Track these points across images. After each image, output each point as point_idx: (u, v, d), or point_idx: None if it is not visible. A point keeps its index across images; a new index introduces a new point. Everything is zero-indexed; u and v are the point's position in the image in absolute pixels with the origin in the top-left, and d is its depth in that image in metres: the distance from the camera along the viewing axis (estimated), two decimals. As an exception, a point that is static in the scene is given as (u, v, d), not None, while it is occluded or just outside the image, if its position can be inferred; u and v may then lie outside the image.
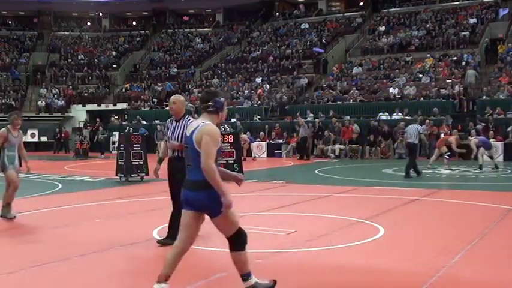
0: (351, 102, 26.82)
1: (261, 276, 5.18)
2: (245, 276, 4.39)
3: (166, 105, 32.65)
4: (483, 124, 21.00)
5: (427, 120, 20.83)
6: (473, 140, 16.96)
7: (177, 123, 6.36)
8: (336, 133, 23.30)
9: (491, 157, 16.76)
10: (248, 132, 24.72)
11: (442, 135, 20.89)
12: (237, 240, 4.40)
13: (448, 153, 17.12)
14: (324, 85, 29.51)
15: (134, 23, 49.12)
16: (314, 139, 23.66)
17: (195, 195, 4.27)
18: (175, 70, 37.77)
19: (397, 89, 26.62)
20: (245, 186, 10.89)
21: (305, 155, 22.00)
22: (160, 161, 6.68)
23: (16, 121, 8.37)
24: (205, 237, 6.76)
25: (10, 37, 44.06)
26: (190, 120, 6.27)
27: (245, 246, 4.40)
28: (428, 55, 29.44)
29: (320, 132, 23.66)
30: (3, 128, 8.35)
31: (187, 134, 4.33)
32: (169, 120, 6.56)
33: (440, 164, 17.23)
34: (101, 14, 47.75)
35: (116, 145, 19.86)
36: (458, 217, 8.26)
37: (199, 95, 31.04)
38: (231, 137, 14.27)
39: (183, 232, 4.40)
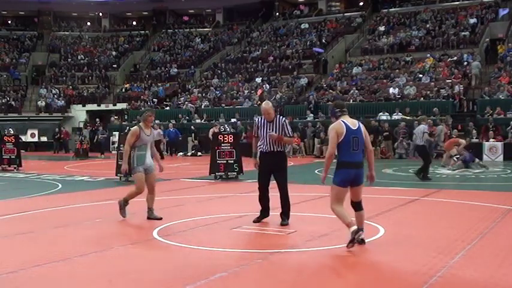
0: (351, 102, 26.80)
1: (260, 277, 5.18)
2: (360, 230, 6.05)
3: (167, 105, 32.78)
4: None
5: (429, 121, 20.67)
6: (461, 147, 16.72)
7: (271, 123, 7.49)
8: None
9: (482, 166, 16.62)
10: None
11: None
12: (360, 204, 6.22)
13: (457, 155, 16.89)
14: (324, 85, 29.50)
15: (134, 23, 49.12)
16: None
17: (360, 172, 6.08)
18: (175, 70, 37.78)
19: (397, 89, 26.63)
20: (245, 186, 10.83)
21: None
22: (255, 155, 7.78)
23: (150, 118, 7.92)
24: (205, 237, 6.77)
25: (10, 37, 44.08)
26: (283, 118, 7.58)
27: (363, 209, 6.24)
28: (428, 55, 29.44)
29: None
30: (136, 126, 7.95)
31: (353, 128, 6.08)
32: (260, 119, 7.66)
33: (441, 164, 17.19)
34: (101, 14, 47.75)
35: (116, 145, 19.86)
36: (458, 217, 8.26)
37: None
38: (231, 137, 14.29)
39: (340, 203, 6.14)
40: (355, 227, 6.02)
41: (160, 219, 7.83)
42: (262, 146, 7.55)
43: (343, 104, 6.40)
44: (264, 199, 7.60)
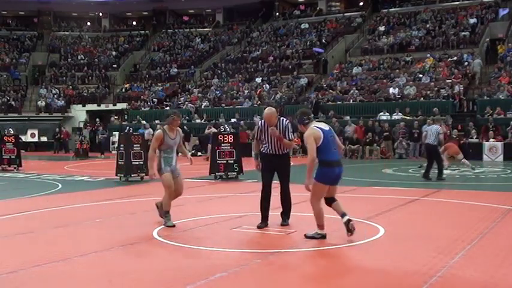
0: (351, 102, 26.82)
1: (260, 277, 5.19)
2: (343, 215, 6.42)
3: (167, 106, 32.78)
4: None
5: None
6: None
7: (275, 126, 7.40)
8: (336, 133, 23.18)
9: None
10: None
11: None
12: (333, 198, 6.53)
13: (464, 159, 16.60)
14: (324, 85, 29.50)
15: (134, 23, 49.12)
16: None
17: (342, 169, 6.54)
18: (175, 70, 37.78)
19: (397, 89, 26.62)
20: (245, 186, 10.83)
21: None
22: (257, 156, 7.75)
23: (175, 121, 7.61)
24: (205, 237, 6.78)
25: (10, 37, 44.07)
26: (286, 121, 7.53)
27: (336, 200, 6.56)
28: (428, 55, 29.44)
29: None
30: (159, 130, 7.70)
31: (327, 129, 6.48)
32: (262, 122, 7.51)
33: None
34: (101, 14, 47.74)
35: (116, 145, 19.87)
36: (458, 217, 8.26)
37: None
38: (231, 137, 14.29)
39: (320, 200, 6.45)
40: (325, 233, 6.41)
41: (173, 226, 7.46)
42: (265, 148, 7.46)
43: (309, 112, 6.83)
44: (266, 202, 7.40)
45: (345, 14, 39.13)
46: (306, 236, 6.49)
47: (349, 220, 6.34)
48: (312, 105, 27.02)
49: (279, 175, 7.54)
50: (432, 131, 13.49)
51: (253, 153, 8.59)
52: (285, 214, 7.52)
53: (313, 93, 28.73)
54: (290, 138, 7.53)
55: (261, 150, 7.57)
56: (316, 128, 6.39)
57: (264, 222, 7.37)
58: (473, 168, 15.84)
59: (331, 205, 6.51)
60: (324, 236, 6.41)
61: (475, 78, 26.75)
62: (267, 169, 7.48)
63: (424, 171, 13.90)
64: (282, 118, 7.57)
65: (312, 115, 6.67)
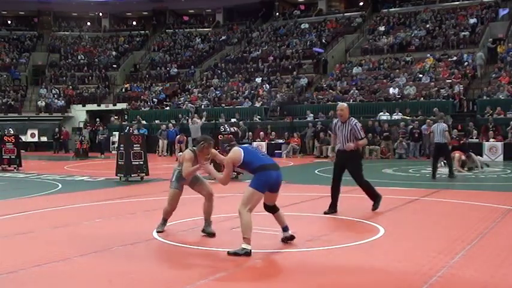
0: (351, 102, 26.80)
1: (260, 277, 5.18)
2: (284, 229, 6.28)
3: (167, 105, 32.80)
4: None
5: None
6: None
7: (344, 124, 8.22)
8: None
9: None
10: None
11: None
12: (275, 206, 6.24)
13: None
14: (324, 85, 29.51)
15: (134, 23, 49.12)
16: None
17: (280, 175, 6.10)
18: (175, 70, 37.78)
19: (397, 89, 26.64)
20: (245, 186, 10.84)
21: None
22: (333, 149, 8.73)
23: (205, 150, 6.88)
24: (205, 237, 6.77)
25: (10, 37, 44.08)
26: (354, 122, 8.19)
27: (279, 208, 6.30)
28: (428, 55, 29.45)
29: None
30: (190, 152, 6.96)
31: (245, 146, 6.28)
32: (335, 121, 8.50)
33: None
34: (101, 14, 47.75)
35: (116, 145, 19.87)
36: (458, 217, 8.25)
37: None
38: (230, 137, 14.30)
39: (251, 210, 5.91)
40: (250, 248, 5.64)
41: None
42: (339, 144, 8.32)
43: (230, 139, 7.21)
44: (334, 191, 8.24)
45: (345, 14, 39.15)
46: (229, 253, 5.68)
47: (291, 236, 6.22)
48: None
49: (349, 169, 8.27)
50: (439, 129, 13.69)
51: (330, 147, 9.50)
52: (372, 199, 8.34)
53: (311, 92, 28.75)
54: (361, 136, 8.22)
55: (336, 146, 8.50)
56: (235, 149, 6.06)
57: (330, 210, 8.15)
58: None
59: (274, 214, 6.24)
60: (249, 253, 5.62)
61: (478, 72, 26.75)
62: (336, 164, 8.38)
63: (448, 171, 13.96)
64: (351, 118, 8.24)
65: (234, 142, 6.83)
